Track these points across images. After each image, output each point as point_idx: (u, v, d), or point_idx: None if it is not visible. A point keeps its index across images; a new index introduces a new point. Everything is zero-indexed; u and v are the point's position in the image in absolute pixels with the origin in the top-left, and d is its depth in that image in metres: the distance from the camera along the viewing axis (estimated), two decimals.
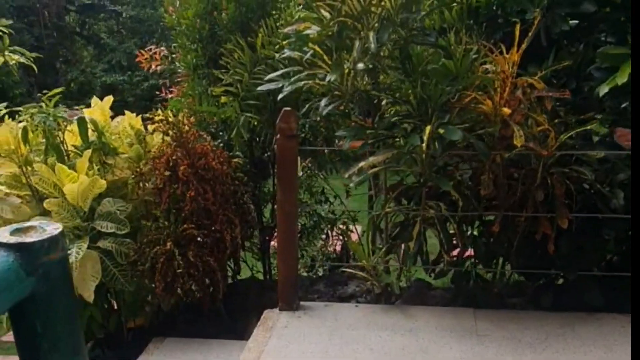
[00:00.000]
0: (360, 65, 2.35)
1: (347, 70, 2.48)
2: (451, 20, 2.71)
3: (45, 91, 2.52)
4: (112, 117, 2.90)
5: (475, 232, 2.78)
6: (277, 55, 2.77)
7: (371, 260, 2.75)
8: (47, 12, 11.83)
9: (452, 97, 2.37)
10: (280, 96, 2.59)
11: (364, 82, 2.64)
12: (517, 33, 2.27)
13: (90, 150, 2.41)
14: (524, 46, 2.28)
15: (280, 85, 2.67)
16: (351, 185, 2.57)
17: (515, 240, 2.59)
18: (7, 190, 2.44)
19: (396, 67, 2.57)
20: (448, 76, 2.36)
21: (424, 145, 2.21)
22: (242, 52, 3.01)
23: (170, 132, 2.57)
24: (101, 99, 2.85)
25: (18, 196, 2.47)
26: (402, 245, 2.71)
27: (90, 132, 2.54)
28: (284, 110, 2.49)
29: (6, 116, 2.49)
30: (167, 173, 2.53)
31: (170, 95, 3.29)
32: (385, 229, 2.85)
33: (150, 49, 3.49)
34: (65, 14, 13.20)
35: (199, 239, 2.59)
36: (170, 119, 2.58)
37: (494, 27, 2.71)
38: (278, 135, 2.50)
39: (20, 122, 2.45)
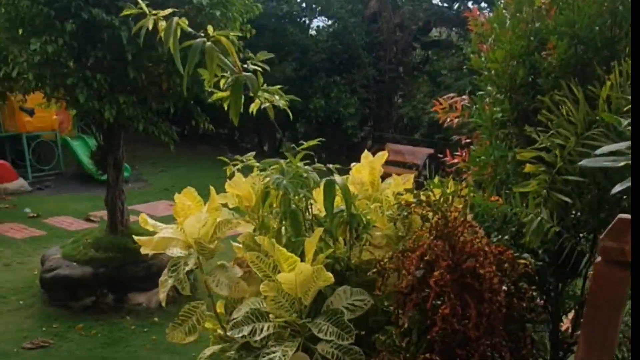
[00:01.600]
0: None
1: None
2: None
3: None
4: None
5: None
6: (623, 121, 1.72)
7: None
8: (395, 48, 12.53)
9: None
10: (616, 189, 1.55)
11: None
12: None
13: (321, 230, 1.87)
14: None
15: (622, 164, 1.63)
16: None
17: None
18: (241, 254, 2.12)
19: None
20: None
21: None
22: (575, 105, 2.06)
23: (431, 217, 1.83)
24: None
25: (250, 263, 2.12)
26: None
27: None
28: (617, 219, 1.44)
29: (255, 168, 2.19)
30: (417, 274, 1.79)
31: (452, 160, 2.53)
32: None
33: (450, 97, 2.81)
34: (411, 50, 13.82)
35: None
36: (432, 199, 1.84)
37: None
38: (599, 258, 1.47)
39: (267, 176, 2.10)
